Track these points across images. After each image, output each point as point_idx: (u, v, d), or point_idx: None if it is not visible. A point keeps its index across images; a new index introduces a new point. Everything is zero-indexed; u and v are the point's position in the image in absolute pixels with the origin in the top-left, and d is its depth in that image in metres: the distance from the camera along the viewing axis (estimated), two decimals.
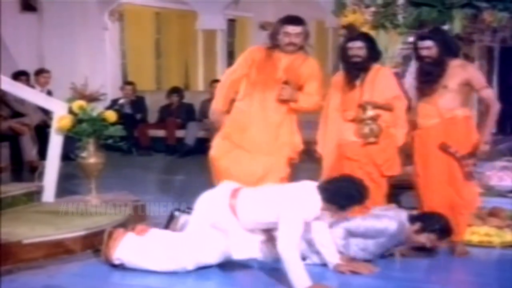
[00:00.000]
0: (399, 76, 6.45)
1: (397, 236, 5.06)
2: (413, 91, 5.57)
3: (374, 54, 5.57)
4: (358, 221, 5.07)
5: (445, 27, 6.25)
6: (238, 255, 4.79)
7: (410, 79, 5.99)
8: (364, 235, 5.05)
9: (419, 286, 4.74)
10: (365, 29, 6.41)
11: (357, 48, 5.49)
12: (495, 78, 6.54)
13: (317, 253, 4.93)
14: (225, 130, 5.70)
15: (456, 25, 6.00)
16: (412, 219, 5.13)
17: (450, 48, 5.37)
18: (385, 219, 5.05)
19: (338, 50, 5.99)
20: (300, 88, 5.67)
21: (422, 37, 5.46)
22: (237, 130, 5.67)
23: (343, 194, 4.66)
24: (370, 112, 5.40)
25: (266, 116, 5.65)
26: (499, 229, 5.69)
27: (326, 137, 5.68)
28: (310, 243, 4.92)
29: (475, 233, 5.58)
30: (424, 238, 5.11)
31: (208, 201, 4.95)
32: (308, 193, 4.67)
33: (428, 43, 5.34)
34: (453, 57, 5.38)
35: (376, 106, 5.42)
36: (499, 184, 6.26)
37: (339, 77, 5.69)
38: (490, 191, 6.15)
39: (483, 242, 5.57)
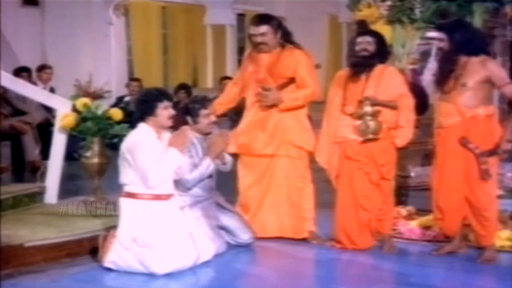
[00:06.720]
0: (417, 73, 6.48)
1: None
2: (432, 88, 5.49)
3: (382, 51, 5.48)
4: None
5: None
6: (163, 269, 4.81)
7: (428, 75, 5.92)
8: None
9: None
10: (380, 24, 6.33)
11: (367, 43, 5.42)
12: None
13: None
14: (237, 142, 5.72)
15: (476, 20, 5.96)
16: None
17: (469, 44, 5.19)
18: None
19: (348, 45, 5.87)
20: (292, 81, 5.59)
21: (437, 28, 5.42)
22: (244, 136, 5.70)
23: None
24: (367, 108, 5.30)
25: (260, 117, 5.64)
26: None
27: (328, 136, 5.57)
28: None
29: (496, 237, 5.43)
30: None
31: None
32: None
33: (440, 35, 5.27)
34: (477, 53, 5.19)
35: (376, 103, 5.32)
36: None
37: (343, 73, 5.61)
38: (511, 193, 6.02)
39: (504, 247, 5.45)
